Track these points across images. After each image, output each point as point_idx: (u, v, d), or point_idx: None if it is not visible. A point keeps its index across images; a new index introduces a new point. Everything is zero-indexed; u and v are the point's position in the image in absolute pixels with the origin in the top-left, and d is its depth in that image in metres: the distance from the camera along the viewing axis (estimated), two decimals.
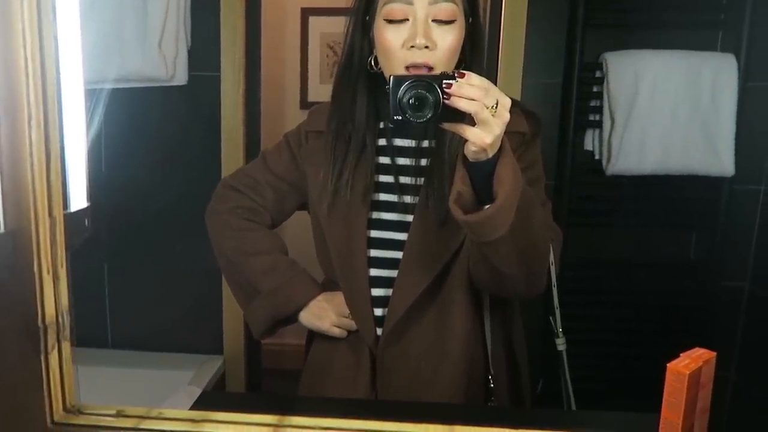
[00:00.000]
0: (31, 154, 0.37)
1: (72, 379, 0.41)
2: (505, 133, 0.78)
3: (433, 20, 0.91)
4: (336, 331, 1.05)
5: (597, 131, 1.79)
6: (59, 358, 0.40)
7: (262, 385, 2.19)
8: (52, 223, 0.39)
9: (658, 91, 1.69)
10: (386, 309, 1.01)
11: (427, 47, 0.90)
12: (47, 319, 0.39)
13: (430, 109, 0.76)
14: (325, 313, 1.05)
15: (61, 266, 0.40)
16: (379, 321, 1.02)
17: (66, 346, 0.41)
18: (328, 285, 1.10)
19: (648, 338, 1.77)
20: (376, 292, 1.02)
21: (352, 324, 1.04)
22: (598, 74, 1.76)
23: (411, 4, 0.90)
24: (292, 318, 1.08)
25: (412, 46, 0.90)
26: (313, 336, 1.13)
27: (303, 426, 0.50)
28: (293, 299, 1.06)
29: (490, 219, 0.79)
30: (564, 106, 1.78)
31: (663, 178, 1.74)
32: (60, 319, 0.40)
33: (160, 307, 1.96)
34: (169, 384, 1.64)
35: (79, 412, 0.43)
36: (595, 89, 1.78)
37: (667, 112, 1.70)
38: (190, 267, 1.92)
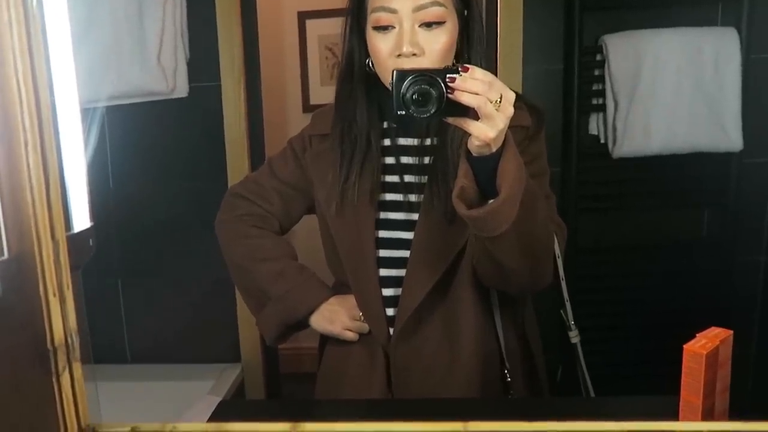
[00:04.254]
0: (29, 179, 0.37)
1: (85, 400, 0.41)
2: (508, 127, 0.77)
3: (421, 24, 0.89)
4: (348, 335, 1.05)
5: (601, 115, 1.78)
6: (71, 379, 0.40)
7: (282, 390, 2.20)
8: (55, 245, 0.39)
9: (660, 71, 1.67)
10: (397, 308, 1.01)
11: (415, 54, 0.89)
12: (56, 341, 0.39)
13: (434, 104, 0.75)
14: (336, 317, 1.05)
15: (67, 288, 0.40)
16: (391, 321, 1.02)
17: (77, 367, 0.41)
18: (339, 288, 1.10)
19: (665, 319, 1.75)
20: (387, 291, 1.03)
21: (363, 326, 1.04)
22: (598, 57, 1.75)
23: (395, 12, 0.88)
24: (303, 323, 1.08)
25: (400, 55, 0.89)
26: (326, 340, 1.13)
27: (316, 431, 0.50)
28: (303, 304, 1.06)
29: (494, 214, 0.78)
30: (566, 92, 1.77)
31: (670, 158, 1.72)
32: (69, 341, 0.40)
33: (176, 318, 1.98)
34: (190, 395, 1.64)
35: (95, 431, 0.43)
36: (596, 73, 1.76)
37: (670, 90, 1.68)
38: (204, 277, 1.93)
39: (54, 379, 0.39)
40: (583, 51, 1.74)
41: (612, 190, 1.85)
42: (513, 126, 0.79)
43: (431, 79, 0.75)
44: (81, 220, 0.49)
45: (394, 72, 0.77)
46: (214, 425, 0.48)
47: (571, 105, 1.76)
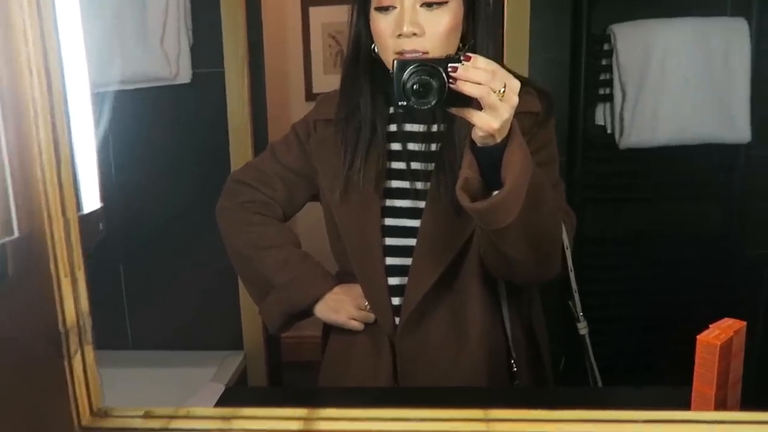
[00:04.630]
0: (40, 155, 0.36)
1: (97, 382, 0.40)
2: (517, 113, 0.75)
3: (423, 4, 0.88)
4: (353, 324, 1.04)
5: (608, 105, 1.76)
6: (83, 362, 0.39)
7: (283, 378, 2.20)
8: (66, 224, 0.38)
9: (669, 61, 1.66)
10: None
11: (415, 34, 0.87)
12: (68, 323, 0.38)
13: (435, 95, 0.73)
14: (341, 306, 1.04)
15: (78, 269, 0.39)
16: (397, 310, 1.01)
17: (89, 350, 0.40)
18: (342, 277, 1.09)
19: (670, 311, 1.74)
20: (393, 280, 1.01)
21: (369, 316, 1.03)
22: (606, 47, 1.73)
23: None
24: (308, 312, 1.06)
25: (400, 35, 0.88)
26: (330, 329, 1.12)
27: (333, 417, 0.49)
28: (308, 293, 1.05)
29: (498, 206, 0.76)
30: (573, 82, 1.76)
31: (678, 149, 1.71)
32: (81, 323, 0.39)
33: (178, 305, 1.97)
34: (192, 382, 1.64)
35: (107, 414, 0.42)
36: (604, 62, 1.75)
37: (679, 81, 1.66)
38: (206, 264, 1.92)
39: (66, 362, 0.38)
40: (590, 40, 1.72)
41: (619, 181, 1.84)
42: (521, 112, 0.77)
43: (432, 69, 0.73)
44: (91, 200, 0.47)
45: (395, 62, 0.75)
46: (228, 410, 0.47)
47: (577, 95, 1.74)
